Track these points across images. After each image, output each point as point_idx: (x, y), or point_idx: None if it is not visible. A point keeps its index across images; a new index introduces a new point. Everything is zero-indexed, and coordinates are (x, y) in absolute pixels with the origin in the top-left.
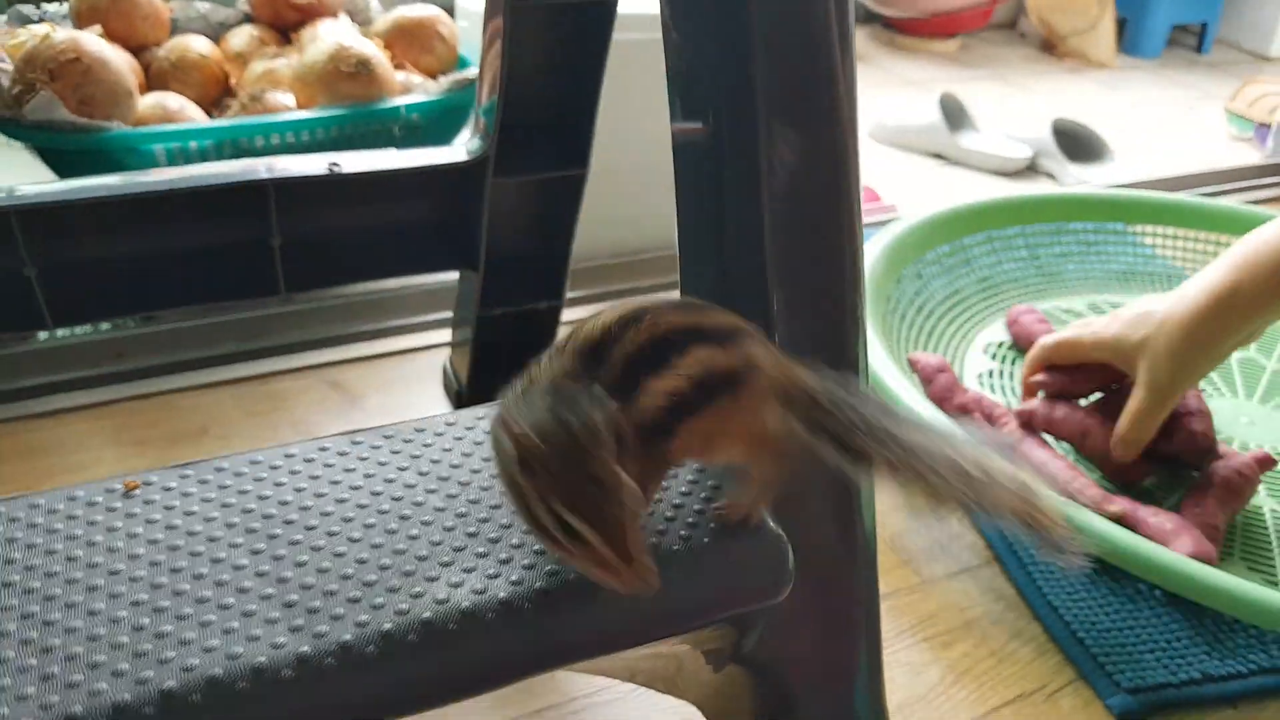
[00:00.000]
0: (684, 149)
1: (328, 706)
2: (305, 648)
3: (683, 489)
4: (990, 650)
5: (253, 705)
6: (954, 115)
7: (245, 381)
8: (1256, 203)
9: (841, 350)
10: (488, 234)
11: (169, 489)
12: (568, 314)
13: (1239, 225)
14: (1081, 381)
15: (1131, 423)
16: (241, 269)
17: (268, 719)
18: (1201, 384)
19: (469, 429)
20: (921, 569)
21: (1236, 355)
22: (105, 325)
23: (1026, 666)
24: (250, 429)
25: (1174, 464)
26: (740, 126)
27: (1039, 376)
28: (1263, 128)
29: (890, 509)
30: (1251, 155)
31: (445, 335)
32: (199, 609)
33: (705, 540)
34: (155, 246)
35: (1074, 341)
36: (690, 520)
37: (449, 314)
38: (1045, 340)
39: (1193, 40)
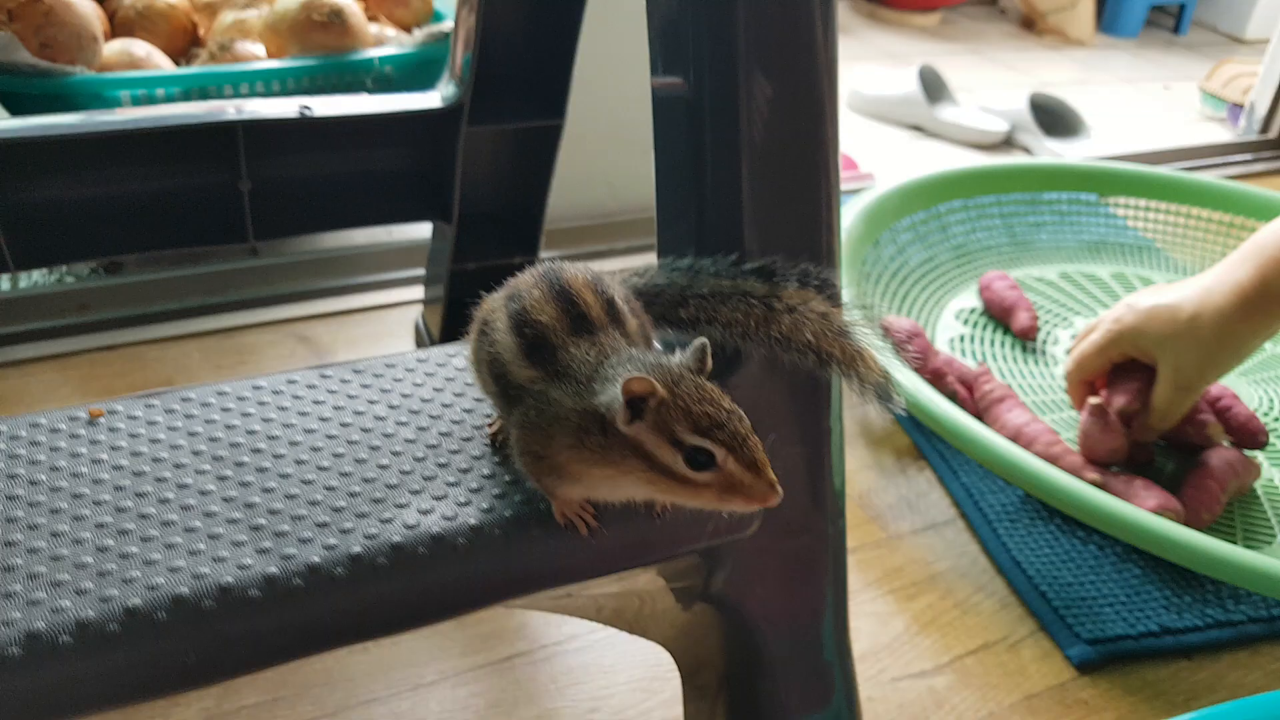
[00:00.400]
0: (664, 104)
1: (296, 626)
2: (273, 569)
3: None
4: (955, 602)
5: (219, 623)
6: (933, 88)
7: (212, 335)
8: (1228, 178)
9: None
10: (462, 185)
11: (134, 417)
12: None
13: (1212, 199)
14: (1134, 392)
15: (1159, 415)
16: (209, 214)
17: (235, 637)
18: None
19: (440, 365)
20: (889, 525)
21: None
22: (69, 278)
23: (990, 618)
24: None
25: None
26: (721, 79)
27: (1120, 403)
28: (1236, 107)
29: (860, 468)
30: (1224, 134)
31: (417, 292)
32: (164, 531)
33: None
34: (121, 189)
35: (1094, 352)
36: None
37: (421, 271)
38: (1069, 367)
39: (1170, 21)
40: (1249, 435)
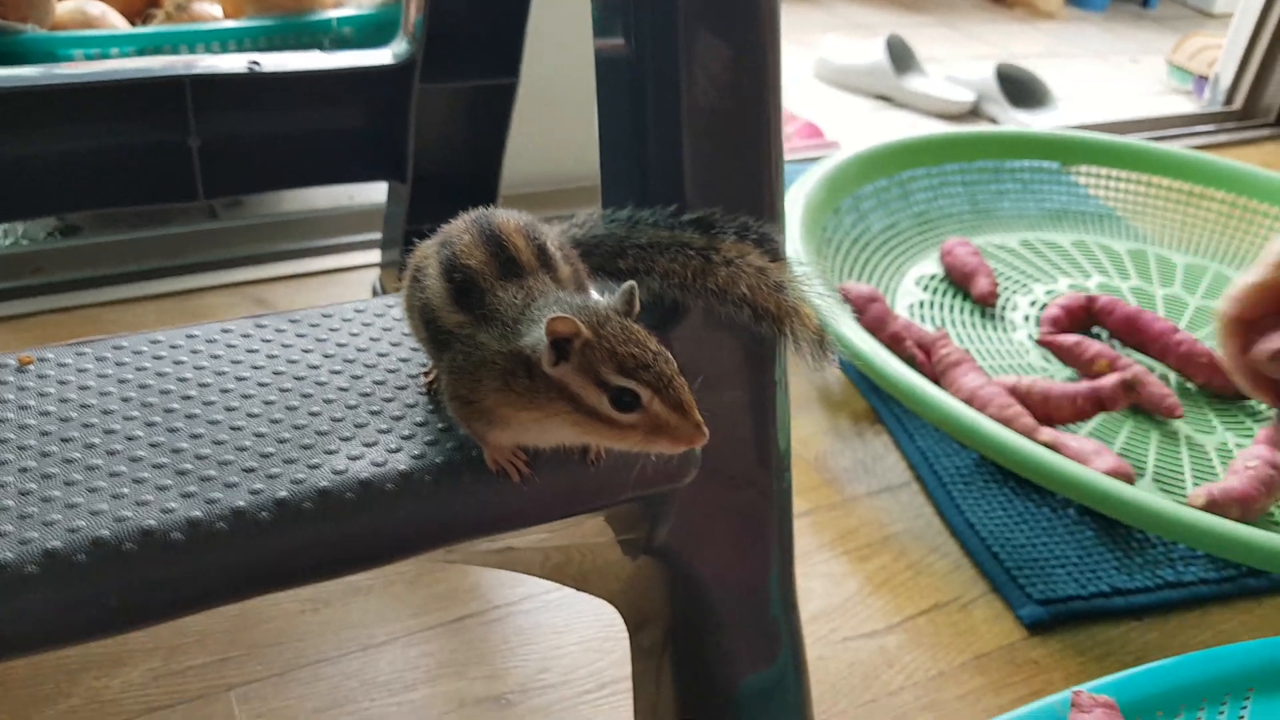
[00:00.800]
0: (606, 65)
1: (220, 570)
2: (196, 512)
3: None
4: (908, 563)
5: (141, 566)
6: (900, 58)
7: (169, 297)
8: (1192, 148)
9: None
10: (416, 145)
11: (65, 365)
12: None
13: (1173, 168)
14: None
15: None
16: (160, 171)
17: (157, 580)
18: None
19: (378, 315)
20: (844, 487)
21: (1161, 293)
22: (24, 240)
23: (942, 579)
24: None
25: None
26: (662, 39)
27: (1268, 345)
28: (1201, 80)
29: (817, 431)
30: (1189, 105)
31: (374, 256)
32: (88, 475)
33: None
34: (70, 146)
35: (1256, 280)
36: None
37: (378, 235)
38: (1222, 307)
39: None
40: None
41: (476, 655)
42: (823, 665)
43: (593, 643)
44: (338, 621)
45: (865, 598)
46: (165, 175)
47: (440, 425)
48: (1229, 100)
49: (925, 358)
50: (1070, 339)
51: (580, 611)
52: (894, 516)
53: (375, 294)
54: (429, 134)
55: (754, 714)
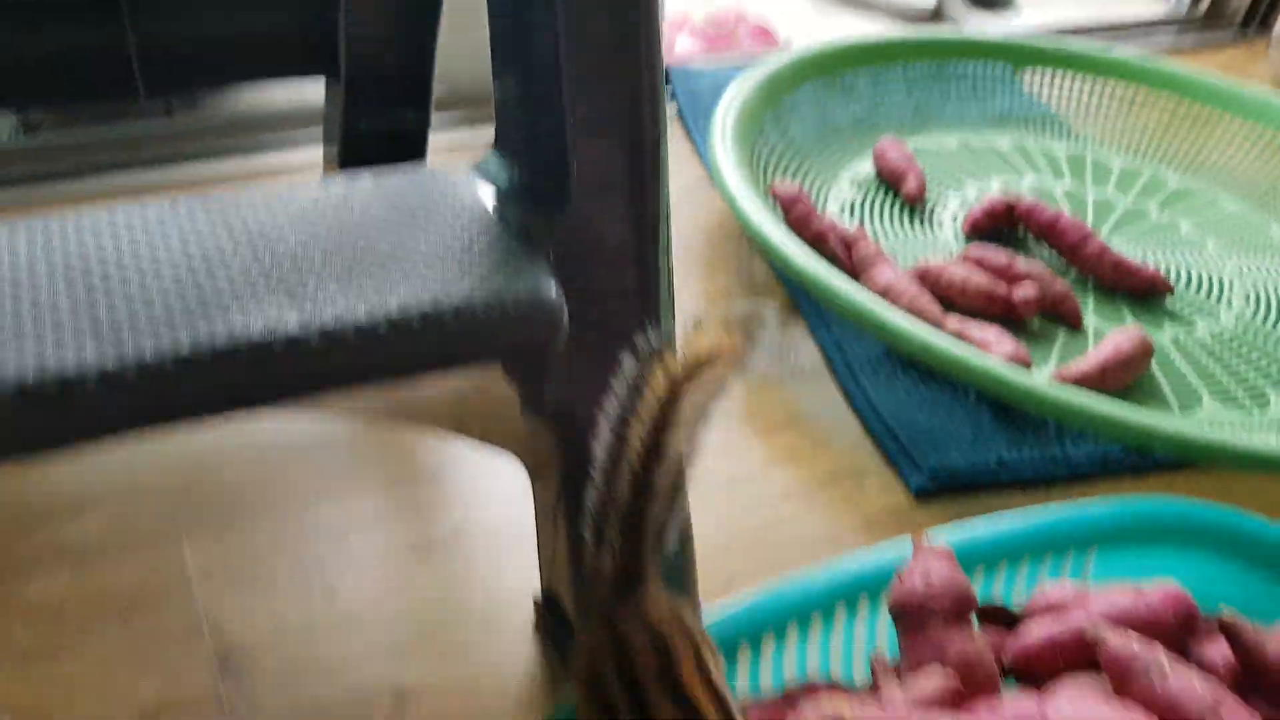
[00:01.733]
0: None
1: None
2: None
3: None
4: (810, 439)
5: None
6: None
7: (121, 194)
8: (1156, 52)
9: (640, 173)
10: (348, 41)
11: None
12: (436, 138)
13: (1122, 71)
14: None
15: None
16: (101, 71)
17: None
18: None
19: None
20: (759, 371)
21: (1093, 195)
22: None
23: (841, 453)
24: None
25: None
26: None
27: None
28: None
29: (737, 319)
30: (1159, 8)
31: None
32: None
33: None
34: (12, 43)
35: None
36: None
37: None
38: None
39: None
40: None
41: (410, 508)
42: (718, 529)
43: (514, 497)
44: (281, 478)
45: (767, 469)
46: (107, 75)
47: (330, 290)
48: (1195, 3)
49: (847, 254)
50: (1001, 259)
51: (505, 468)
52: (803, 398)
53: None
54: (360, 28)
55: None
